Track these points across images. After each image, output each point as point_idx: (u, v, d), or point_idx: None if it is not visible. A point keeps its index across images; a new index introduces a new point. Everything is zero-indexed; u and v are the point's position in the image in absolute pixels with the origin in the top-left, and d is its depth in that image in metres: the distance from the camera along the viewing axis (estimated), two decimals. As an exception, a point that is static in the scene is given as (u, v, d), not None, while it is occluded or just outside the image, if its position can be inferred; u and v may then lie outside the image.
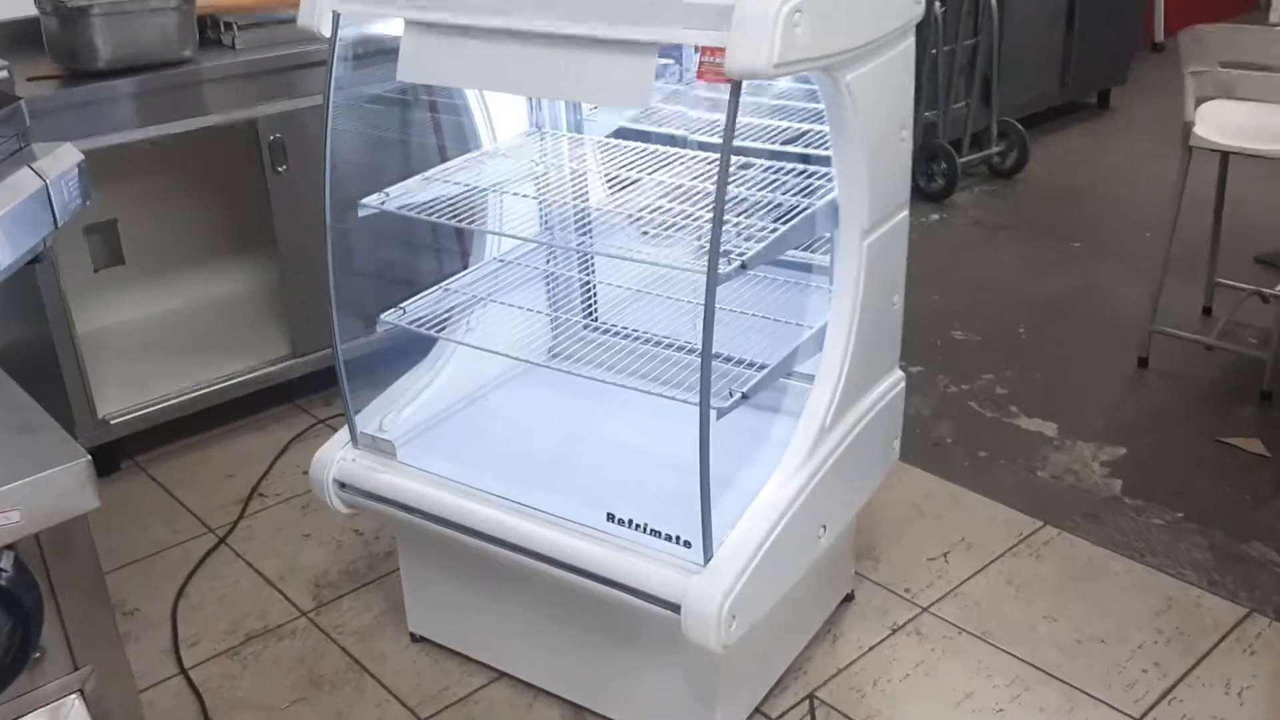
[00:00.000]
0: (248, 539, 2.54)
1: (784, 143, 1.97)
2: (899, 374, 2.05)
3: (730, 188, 1.90)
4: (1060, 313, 3.40)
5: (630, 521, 1.73)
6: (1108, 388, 3.00)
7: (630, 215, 1.96)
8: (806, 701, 2.01)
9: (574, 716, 2.01)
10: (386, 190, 1.94)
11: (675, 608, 1.66)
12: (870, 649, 2.13)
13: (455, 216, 1.97)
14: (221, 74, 2.66)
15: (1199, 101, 2.83)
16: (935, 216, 4.22)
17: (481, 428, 2.13)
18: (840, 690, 2.03)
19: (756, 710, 1.99)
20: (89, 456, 1.03)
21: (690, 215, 1.84)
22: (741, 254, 1.64)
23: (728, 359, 2.01)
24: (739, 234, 1.75)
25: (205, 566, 2.46)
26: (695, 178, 1.97)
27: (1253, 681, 2.01)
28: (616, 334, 2.11)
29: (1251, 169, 3.08)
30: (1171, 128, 4.58)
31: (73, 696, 1.14)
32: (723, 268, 1.57)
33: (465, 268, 2.20)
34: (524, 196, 2.14)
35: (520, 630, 2.03)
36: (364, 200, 1.92)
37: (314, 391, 3.07)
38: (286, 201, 2.82)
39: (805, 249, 1.99)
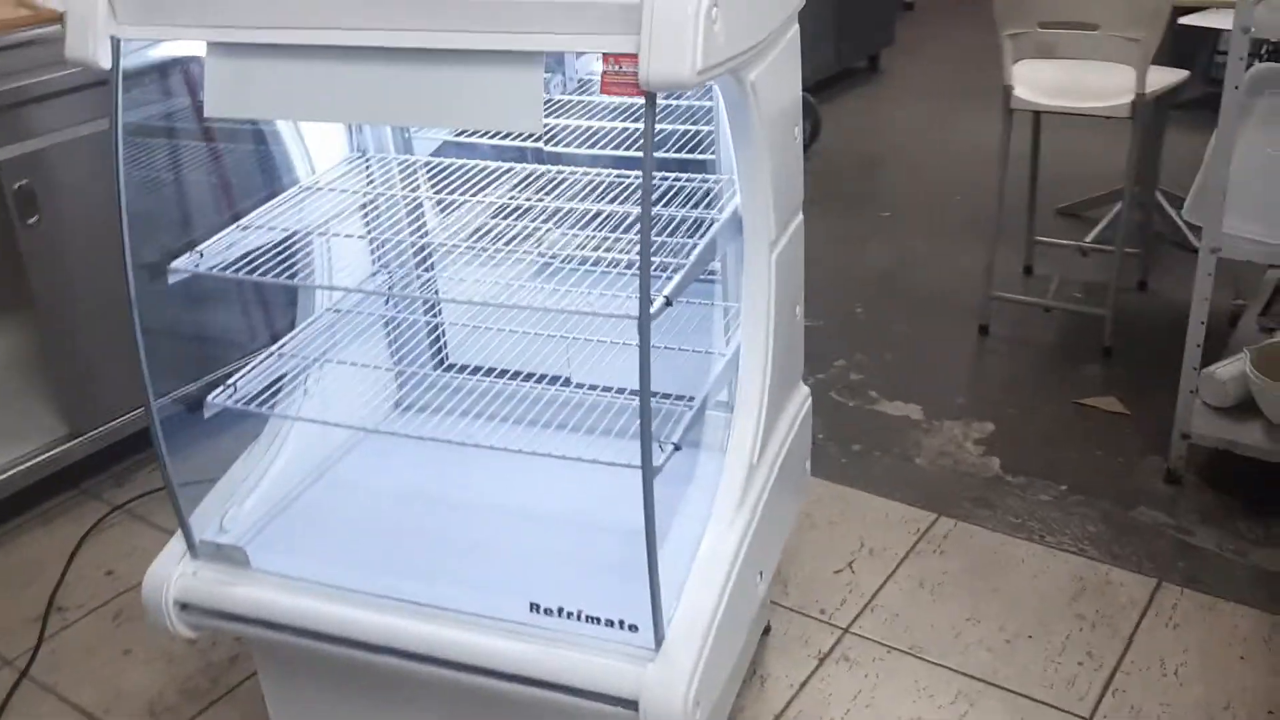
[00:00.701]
0: (54, 666, 2.12)
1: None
2: (805, 389, 1.89)
3: (615, 205, 1.68)
4: (890, 287, 3.35)
5: (560, 610, 1.49)
6: (957, 360, 2.96)
7: (471, 240, 1.71)
8: (750, 760, 1.84)
9: (496, 825, 1.75)
10: (199, 249, 1.59)
11: (631, 704, 1.43)
12: (802, 686, 1.96)
13: (283, 271, 1.66)
14: (-58, 115, 2.20)
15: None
16: (741, 196, 4.10)
17: (340, 508, 1.82)
18: (782, 740, 1.87)
19: (699, 780, 1.79)
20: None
21: (528, 231, 1.62)
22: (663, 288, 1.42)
23: (627, 393, 1.80)
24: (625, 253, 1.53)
25: (10, 710, 2.03)
26: (539, 192, 1.73)
27: (1185, 658, 1.97)
28: (476, 372, 1.86)
29: (1047, 123, 3.11)
30: (942, 85, 4.64)
31: None
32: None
33: (292, 322, 1.88)
34: (355, 237, 1.85)
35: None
36: (174, 265, 1.57)
37: (99, 471, 2.64)
38: (42, 258, 2.37)
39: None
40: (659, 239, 1.69)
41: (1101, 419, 2.65)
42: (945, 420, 2.68)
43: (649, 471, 1.37)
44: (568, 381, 1.86)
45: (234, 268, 1.63)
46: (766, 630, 2.07)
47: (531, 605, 1.50)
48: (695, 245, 1.55)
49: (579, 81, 1.69)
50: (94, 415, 2.53)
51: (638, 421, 1.51)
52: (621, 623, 1.46)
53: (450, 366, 2.05)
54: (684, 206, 1.71)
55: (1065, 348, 2.97)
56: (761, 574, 1.68)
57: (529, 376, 1.82)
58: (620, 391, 1.83)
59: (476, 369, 1.92)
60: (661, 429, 1.58)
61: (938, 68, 5.40)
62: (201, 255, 1.58)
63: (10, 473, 2.44)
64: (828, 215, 3.87)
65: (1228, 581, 2.13)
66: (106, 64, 1.45)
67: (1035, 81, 2.88)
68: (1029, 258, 3.33)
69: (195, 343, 1.79)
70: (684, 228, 1.67)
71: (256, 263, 1.66)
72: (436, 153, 1.93)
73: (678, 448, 1.48)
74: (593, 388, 1.85)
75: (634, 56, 1.20)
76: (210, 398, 1.67)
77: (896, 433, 2.65)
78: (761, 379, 1.65)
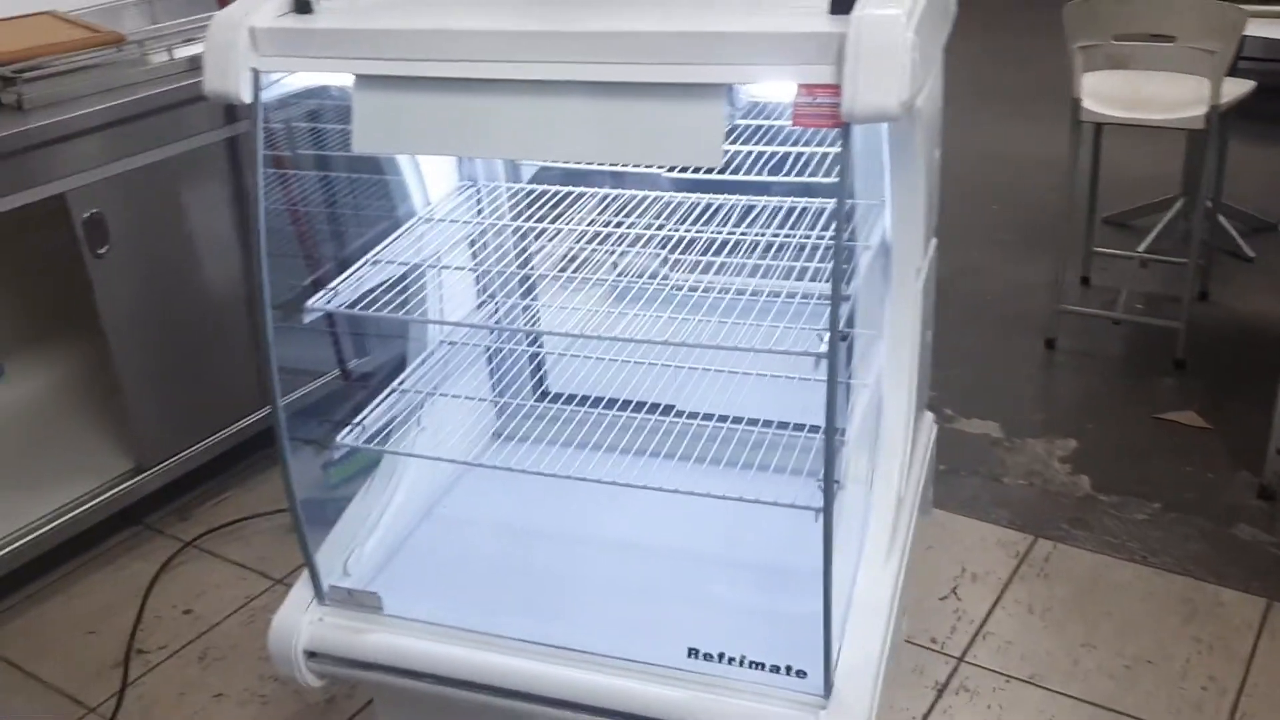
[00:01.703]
0: (143, 712, 2.05)
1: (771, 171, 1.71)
2: (929, 415, 1.85)
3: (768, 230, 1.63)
4: (949, 299, 3.29)
5: (722, 655, 1.44)
6: (1027, 375, 2.93)
7: (579, 267, 1.67)
8: (884, 797, 1.79)
9: None
10: (334, 287, 1.54)
11: (805, 755, 1.38)
12: (924, 718, 1.92)
13: (401, 305, 1.61)
14: (9, 144, 2.11)
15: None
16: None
17: (456, 546, 1.77)
18: (914, 776, 1.82)
19: (834, 820, 1.75)
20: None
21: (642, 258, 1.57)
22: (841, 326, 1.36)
23: (744, 423, 1.75)
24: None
25: (98, 761, 1.97)
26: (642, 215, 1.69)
27: (1310, 680, 1.94)
28: (570, 401, 1.81)
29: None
30: (989, 87, 4.55)
31: None
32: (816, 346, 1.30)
33: (403, 358, 1.83)
34: (466, 269, 1.80)
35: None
36: (310, 303, 1.51)
37: (160, 507, 2.57)
38: (112, 288, 2.30)
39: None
40: (781, 263, 1.64)
41: (1184, 434, 2.63)
42: (1026, 438, 2.65)
43: (829, 511, 1.32)
44: (669, 409, 1.81)
45: (361, 304, 1.58)
46: (880, 660, 2.03)
47: (690, 650, 1.45)
48: (853, 275, 1.50)
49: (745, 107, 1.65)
50: (161, 449, 2.46)
51: (755, 451, 1.47)
52: (789, 669, 1.41)
53: (551, 395, 2.00)
54: (813, 229, 1.66)
55: (1135, 361, 2.95)
56: (905, 611, 1.64)
57: (627, 405, 1.78)
58: (738, 421, 1.78)
59: (573, 397, 1.88)
60: (802, 462, 1.54)
61: (983, 70, 5.35)
62: (336, 292, 1.53)
63: (75, 511, 2.36)
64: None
65: (1338, 600, 2.11)
66: (247, 97, 1.39)
67: (1100, 92, 2.86)
68: (1086, 269, 3.30)
69: (322, 393, 1.73)
70: (808, 253, 1.62)
71: (377, 297, 1.61)
72: (535, 178, 1.88)
73: (839, 484, 1.44)
74: (706, 417, 1.80)
75: (833, 87, 1.16)
76: (340, 437, 1.61)
77: (979, 452, 2.62)
78: (907, 409, 1.61)
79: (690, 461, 1.67)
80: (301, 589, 1.63)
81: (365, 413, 1.64)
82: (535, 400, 2.01)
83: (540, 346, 1.99)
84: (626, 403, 1.79)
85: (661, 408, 1.78)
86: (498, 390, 1.96)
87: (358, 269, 1.57)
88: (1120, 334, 3.05)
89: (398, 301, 1.61)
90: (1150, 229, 3.46)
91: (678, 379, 1.80)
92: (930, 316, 1.74)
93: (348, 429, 1.61)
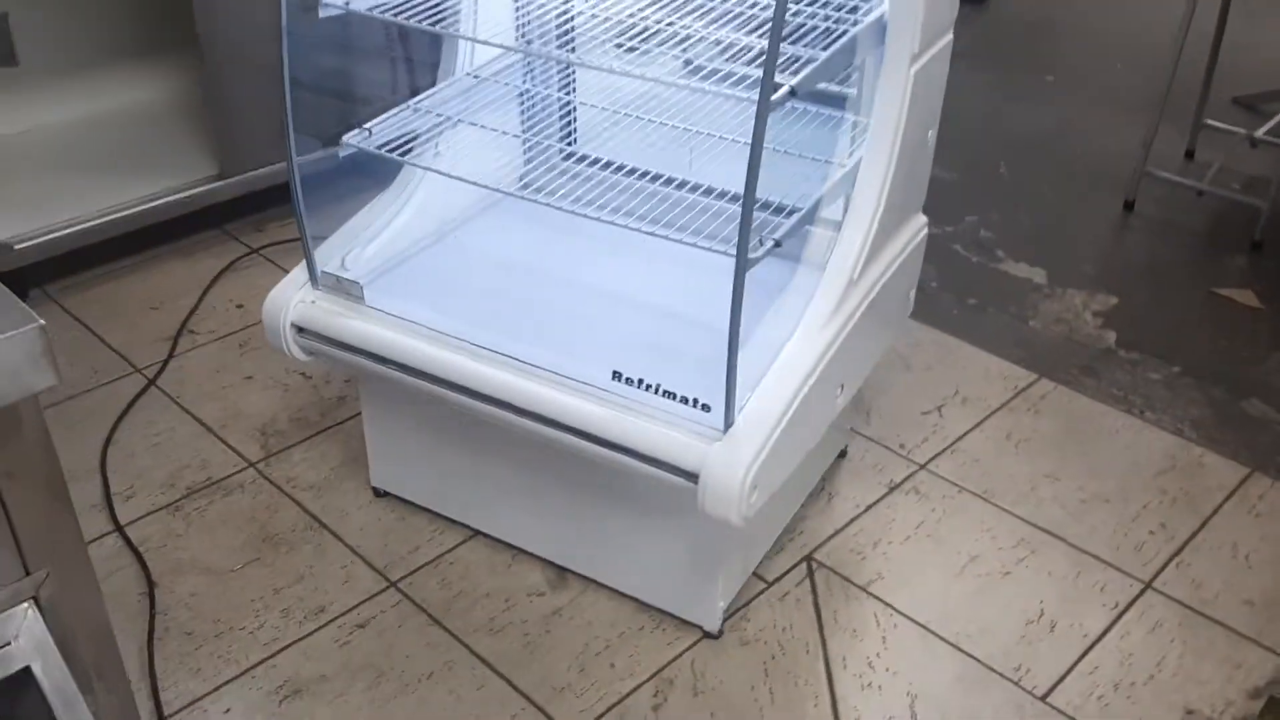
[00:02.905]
0: (180, 381, 2.30)
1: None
2: (923, 219, 1.87)
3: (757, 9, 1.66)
4: (1039, 151, 3.24)
5: (640, 381, 1.55)
6: (1095, 232, 2.88)
7: (622, 29, 1.71)
8: (804, 564, 1.90)
9: (557, 578, 1.87)
10: (348, -9, 1.64)
11: (693, 477, 1.50)
12: (868, 508, 2.01)
13: (426, 18, 1.69)
14: None
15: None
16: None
17: (455, 266, 1.90)
18: (839, 552, 1.92)
19: (753, 574, 1.88)
20: (41, 322, 0.80)
21: (682, 27, 1.60)
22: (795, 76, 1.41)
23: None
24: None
25: (135, 411, 2.22)
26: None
27: (1260, 545, 1.95)
28: (603, 166, 1.88)
29: (1237, 9, 2.91)
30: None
31: (24, 606, 0.93)
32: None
33: (434, 83, 1.93)
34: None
35: (499, 488, 1.86)
36: (325, -1, 1.62)
37: (242, 216, 2.78)
38: (211, 4, 2.46)
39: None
40: (793, 47, 1.66)
41: (1235, 310, 2.56)
42: (1069, 288, 2.63)
43: (743, 260, 1.40)
44: (684, 184, 1.87)
45: (383, 10, 1.67)
46: (843, 454, 2.11)
47: (614, 373, 1.57)
48: (834, 43, 1.53)
49: None
50: (243, 160, 2.65)
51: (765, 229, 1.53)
52: (696, 401, 1.52)
53: (577, 157, 2.08)
54: (825, 6, 1.67)
55: (1212, 235, 2.85)
56: (843, 388, 1.71)
57: (646, 175, 1.84)
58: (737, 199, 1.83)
59: (597, 160, 1.95)
60: (763, 229, 1.60)
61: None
62: (352, -9, 1.63)
63: (157, 203, 2.59)
64: (989, 70, 3.73)
65: (1326, 484, 2.09)
66: None
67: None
68: (1192, 141, 3.17)
69: (335, 95, 1.85)
70: (820, 35, 1.65)
71: (405, 9, 1.69)
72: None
73: (778, 244, 1.50)
74: (718, 194, 1.85)
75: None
76: (346, 137, 1.74)
77: (1015, 294, 2.61)
78: (878, 194, 1.64)
79: (683, 231, 1.75)
80: (300, 271, 1.80)
81: (375, 122, 1.76)
82: (561, 159, 2.09)
83: (572, 95, 2.05)
84: (656, 176, 1.84)
85: (668, 179, 1.84)
86: (527, 131, 2.04)
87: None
88: (1203, 205, 2.95)
89: (423, 13, 1.68)
90: (1276, 114, 3.28)
91: (695, 150, 1.86)
92: (932, 116, 1.75)
93: (354, 131, 1.73)
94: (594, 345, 1.65)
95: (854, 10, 1.61)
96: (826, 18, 1.61)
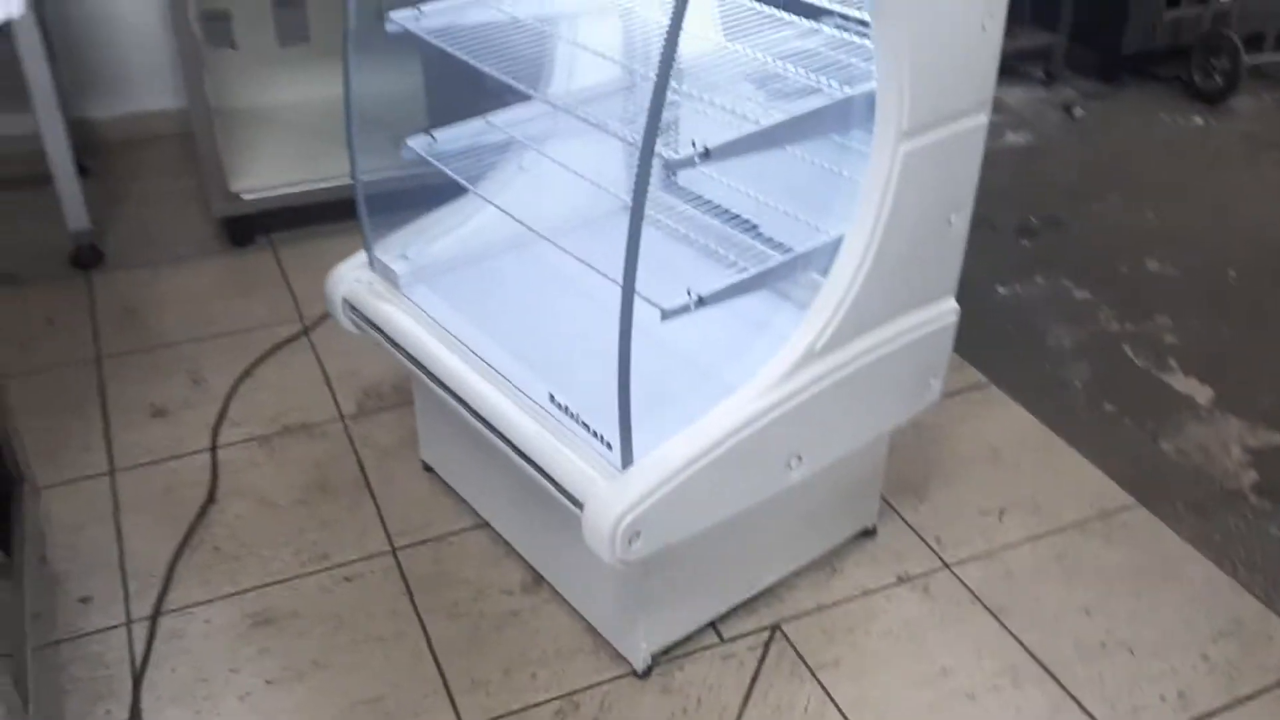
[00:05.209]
0: (328, 337, 2.59)
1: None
2: (950, 304, 1.77)
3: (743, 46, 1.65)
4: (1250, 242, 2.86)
5: (566, 407, 1.61)
6: (1299, 361, 2.52)
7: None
8: (768, 631, 1.86)
9: (532, 583, 1.95)
10: (419, 6, 1.80)
11: (579, 506, 1.54)
12: (865, 593, 1.93)
13: (491, 57, 1.79)
14: None
15: None
16: (1199, 121, 3.62)
17: (496, 271, 2.01)
18: (808, 629, 1.86)
19: (711, 625, 1.86)
20: None
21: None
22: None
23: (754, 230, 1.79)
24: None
25: (279, 354, 2.54)
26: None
27: (1291, 748, 1.68)
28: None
29: None
30: None
31: None
32: (670, 154, 1.37)
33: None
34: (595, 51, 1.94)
35: (497, 484, 1.97)
36: (392, 13, 1.80)
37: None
38: None
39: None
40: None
41: None
42: (1230, 415, 2.33)
43: (629, 289, 1.41)
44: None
45: (440, 37, 1.79)
46: (870, 532, 2.03)
47: (550, 395, 1.63)
48: (777, 121, 1.49)
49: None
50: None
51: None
52: (603, 437, 1.55)
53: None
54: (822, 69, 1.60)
55: None
56: (800, 459, 1.66)
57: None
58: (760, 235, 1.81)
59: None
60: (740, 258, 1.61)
61: None
62: (421, 12, 1.78)
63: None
64: (1251, 166, 3.32)
65: None
66: None
67: None
68: None
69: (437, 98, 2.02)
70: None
71: (464, 42, 1.79)
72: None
73: (703, 301, 1.50)
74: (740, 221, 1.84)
75: None
76: (409, 140, 1.91)
77: (1164, 409, 2.36)
78: (854, 270, 1.59)
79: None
80: (364, 254, 2.00)
81: (442, 130, 1.91)
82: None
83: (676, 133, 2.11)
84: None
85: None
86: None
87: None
88: None
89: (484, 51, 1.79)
90: None
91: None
92: (955, 200, 1.65)
93: (419, 133, 1.90)
94: (550, 365, 1.71)
95: (852, 76, 1.55)
96: (809, 79, 1.56)
